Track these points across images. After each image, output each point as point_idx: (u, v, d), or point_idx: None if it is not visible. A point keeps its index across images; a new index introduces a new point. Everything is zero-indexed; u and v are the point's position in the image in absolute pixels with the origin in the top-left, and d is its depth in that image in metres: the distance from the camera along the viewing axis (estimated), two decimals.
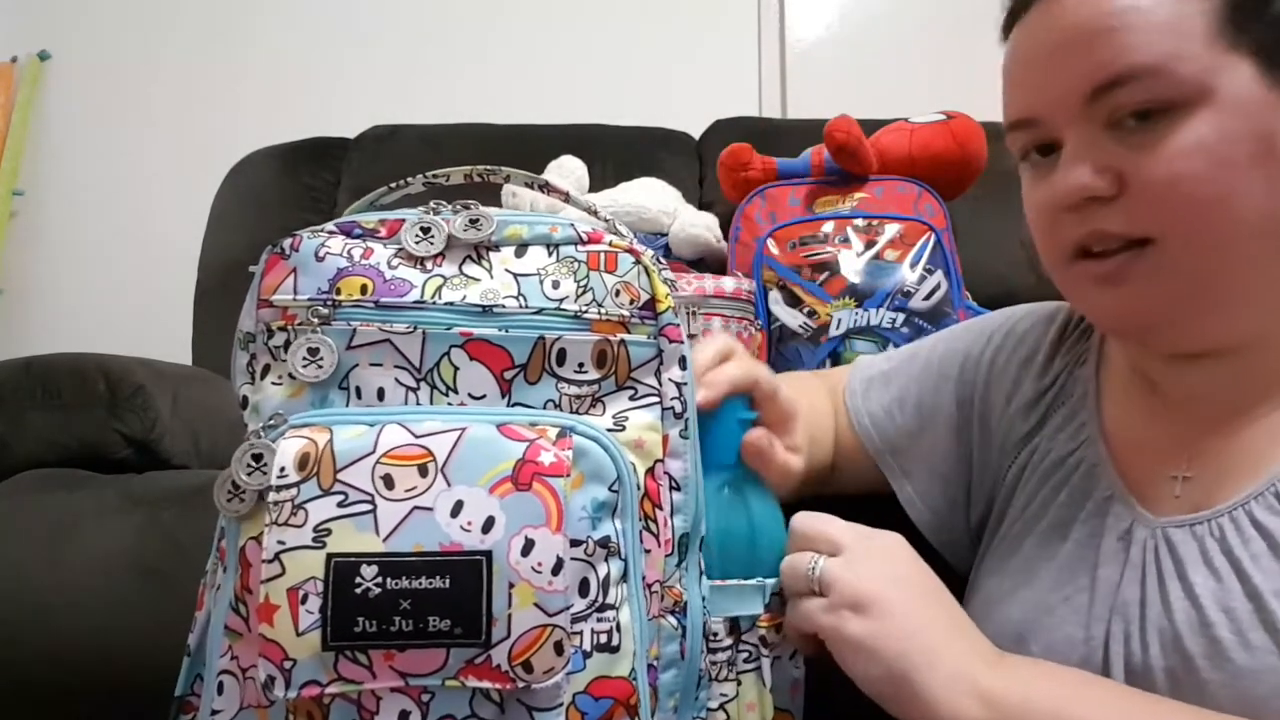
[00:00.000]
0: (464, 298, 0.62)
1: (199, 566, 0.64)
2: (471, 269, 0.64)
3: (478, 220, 0.65)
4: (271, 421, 0.60)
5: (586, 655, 0.58)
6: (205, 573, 0.63)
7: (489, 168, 0.73)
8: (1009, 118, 0.74)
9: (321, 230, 0.65)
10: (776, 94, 2.71)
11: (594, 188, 1.77)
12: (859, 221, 1.44)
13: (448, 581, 0.54)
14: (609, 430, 0.61)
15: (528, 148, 1.89)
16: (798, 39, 2.74)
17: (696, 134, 2.10)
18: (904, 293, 1.36)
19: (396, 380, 0.61)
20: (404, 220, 0.65)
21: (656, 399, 0.63)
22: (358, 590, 0.54)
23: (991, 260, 1.70)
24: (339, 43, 2.72)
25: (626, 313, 0.63)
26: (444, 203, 0.66)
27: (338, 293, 0.62)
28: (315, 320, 0.62)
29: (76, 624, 0.99)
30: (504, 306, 0.62)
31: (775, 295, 1.40)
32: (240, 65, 2.71)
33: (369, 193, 0.72)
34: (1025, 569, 0.77)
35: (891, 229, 1.42)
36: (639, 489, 0.61)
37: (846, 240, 1.41)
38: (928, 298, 1.36)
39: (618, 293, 0.63)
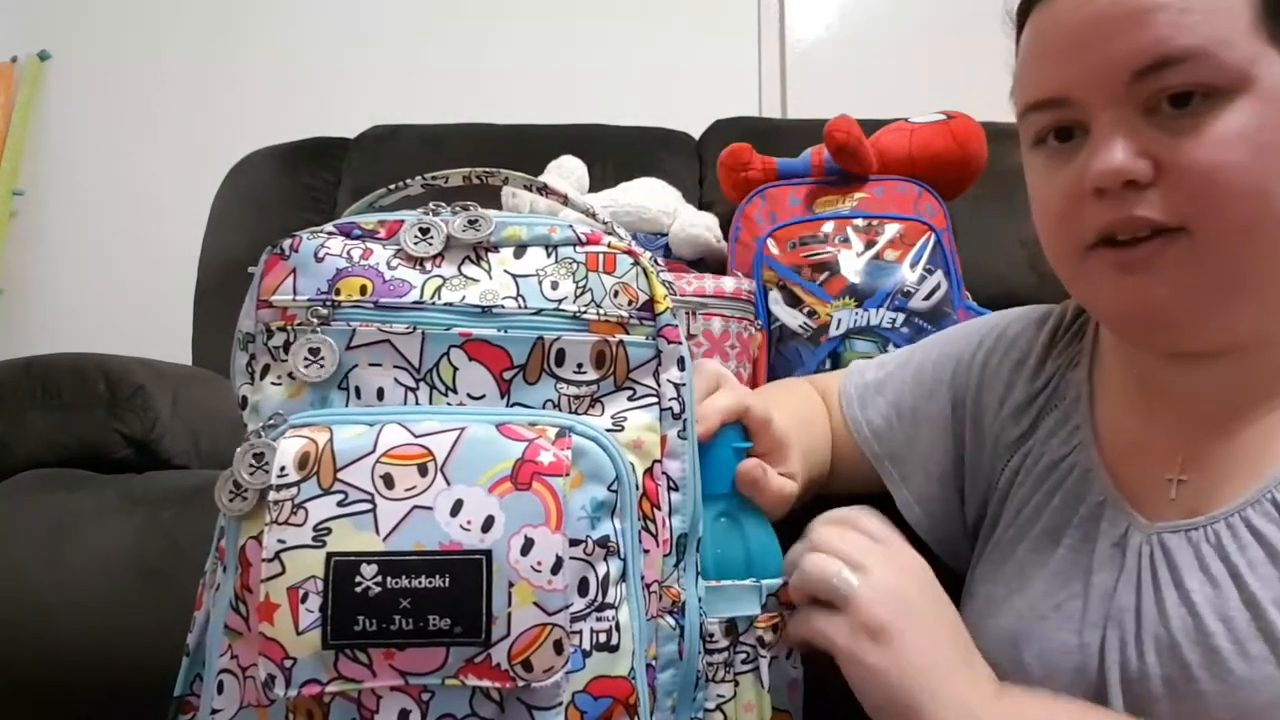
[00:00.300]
0: (463, 298, 0.62)
1: (199, 566, 0.64)
2: (470, 270, 0.64)
3: (476, 221, 0.65)
4: (271, 421, 0.60)
5: (586, 654, 0.58)
6: (204, 573, 0.63)
7: (487, 170, 0.73)
8: (1033, 97, 0.71)
9: (321, 231, 0.65)
10: (776, 94, 2.71)
11: (594, 188, 1.77)
12: (859, 221, 1.43)
13: (447, 580, 0.55)
14: (608, 430, 0.61)
15: (528, 148, 1.89)
16: (798, 39, 2.74)
17: (696, 134, 2.10)
18: (904, 293, 1.36)
19: (396, 380, 0.62)
20: (403, 221, 0.66)
21: (655, 399, 0.64)
22: (358, 589, 0.54)
23: (991, 260, 1.70)
24: (339, 43, 2.72)
25: (625, 314, 0.63)
26: (443, 204, 0.66)
27: (337, 293, 0.62)
28: (315, 321, 0.62)
29: (76, 624, 0.99)
30: (503, 307, 0.62)
31: (775, 295, 1.40)
32: (240, 65, 2.72)
33: (369, 193, 0.73)
34: (1018, 575, 0.77)
35: (891, 229, 1.42)
36: (638, 489, 0.61)
37: (846, 240, 1.41)
38: (928, 298, 1.36)
39: (616, 294, 0.63)
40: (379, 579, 0.55)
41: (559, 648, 0.55)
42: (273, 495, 0.56)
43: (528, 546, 0.55)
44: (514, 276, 0.64)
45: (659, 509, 0.62)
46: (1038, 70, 0.71)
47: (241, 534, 0.59)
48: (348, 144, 2.10)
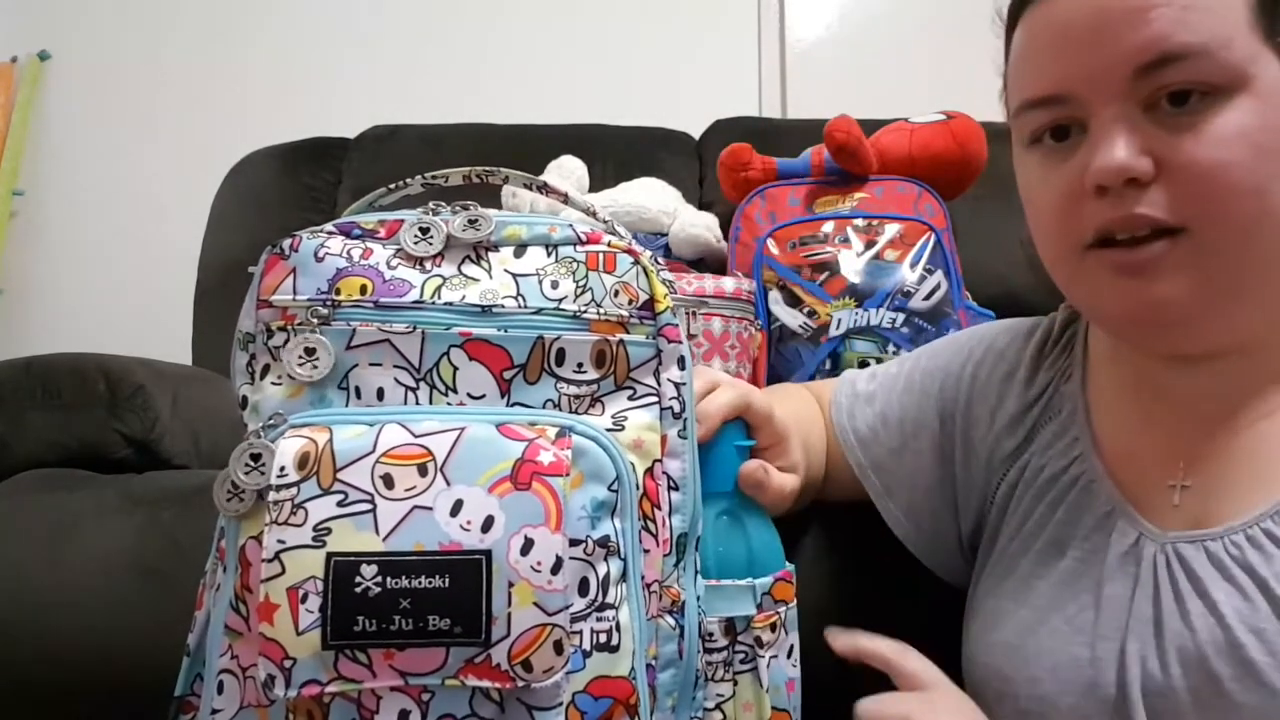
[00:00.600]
0: (463, 298, 0.62)
1: (199, 566, 0.64)
2: (470, 269, 0.64)
3: (476, 221, 0.65)
4: (271, 421, 0.60)
5: (586, 655, 0.58)
6: (205, 573, 0.63)
7: (487, 169, 0.73)
8: (1030, 94, 0.71)
9: (321, 231, 0.65)
10: (776, 94, 2.71)
11: (594, 188, 1.77)
12: (859, 221, 1.43)
13: (447, 581, 0.55)
14: (608, 430, 0.61)
15: (528, 148, 1.89)
16: (798, 39, 2.74)
17: (696, 134, 2.10)
18: (904, 293, 1.36)
19: (396, 380, 0.62)
20: (403, 221, 0.66)
21: (655, 399, 0.63)
22: (357, 589, 0.54)
23: (991, 260, 1.69)
24: (339, 43, 2.72)
25: (625, 313, 0.63)
26: (443, 203, 0.66)
27: (337, 293, 0.62)
28: (315, 320, 0.62)
29: (76, 624, 0.99)
30: (503, 306, 0.62)
31: (775, 295, 1.40)
32: (240, 65, 2.71)
33: (369, 193, 0.73)
34: (1024, 589, 0.76)
35: (891, 229, 1.42)
36: (638, 489, 0.61)
37: (846, 240, 1.41)
38: (928, 298, 1.36)
39: (616, 293, 0.63)
40: (379, 579, 0.55)
41: (559, 648, 0.55)
42: (272, 495, 0.56)
43: (528, 546, 0.55)
44: (514, 276, 0.64)
45: (659, 509, 0.62)
46: (1035, 67, 0.71)
47: (242, 534, 0.59)
48: (348, 144, 2.09)
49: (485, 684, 0.55)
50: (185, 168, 2.52)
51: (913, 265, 1.38)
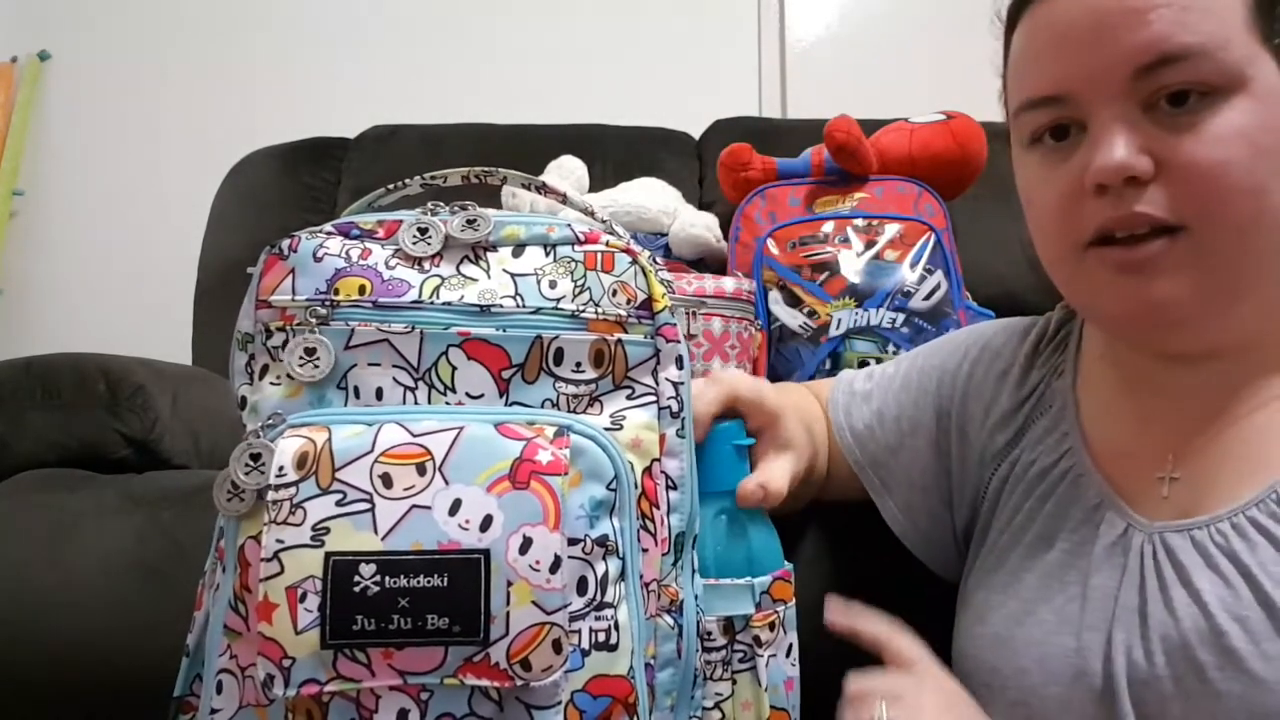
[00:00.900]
0: (461, 297, 0.62)
1: (199, 566, 0.64)
2: (469, 269, 0.64)
3: (475, 221, 0.65)
4: (270, 421, 0.61)
5: (585, 653, 0.58)
6: (204, 573, 0.63)
7: (486, 169, 0.73)
8: (1030, 94, 0.71)
9: (319, 231, 0.65)
10: (776, 94, 2.71)
11: (594, 188, 1.77)
12: (859, 221, 1.44)
13: (446, 580, 0.55)
14: (606, 429, 0.61)
15: (528, 148, 1.89)
16: (798, 39, 2.73)
17: (696, 134, 2.10)
18: (904, 293, 1.36)
19: (395, 380, 0.62)
20: (401, 221, 0.66)
21: (654, 398, 0.64)
22: (356, 589, 0.55)
23: (991, 260, 1.70)
24: (339, 43, 2.72)
25: (623, 312, 0.63)
26: (441, 204, 0.66)
27: (336, 293, 0.62)
28: (313, 320, 0.62)
29: (76, 624, 0.99)
30: (501, 306, 0.62)
31: (775, 295, 1.40)
32: (240, 65, 2.71)
33: (369, 193, 0.73)
34: (1012, 581, 0.77)
35: (891, 229, 1.42)
36: (636, 488, 0.61)
37: (846, 240, 1.41)
38: (928, 298, 1.36)
39: (614, 292, 0.63)
40: (377, 578, 0.55)
41: (557, 647, 0.55)
42: (271, 495, 0.56)
43: (526, 545, 0.55)
44: (512, 275, 0.64)
45: (657, 508, 0.62)
46: (1036, 67, 0.71)
47: (241, 534, 0.59)
48: (348, 144, 2.09)
49: (484, 683, 0.55)
50: (185, 168, 2.52)
51: (913, 265, 1.38)
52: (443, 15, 2.72)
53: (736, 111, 2.16)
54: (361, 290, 0.62)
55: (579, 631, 0.58)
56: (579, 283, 0.63)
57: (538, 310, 0.62)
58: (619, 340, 0.63)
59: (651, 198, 1.73)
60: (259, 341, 0.64)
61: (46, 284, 2.67)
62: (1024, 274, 1.60)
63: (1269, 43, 0.65)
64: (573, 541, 0.57)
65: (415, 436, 0.57)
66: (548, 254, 0.65)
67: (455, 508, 0.55)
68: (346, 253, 0.64)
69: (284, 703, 0.56)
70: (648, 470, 0.62)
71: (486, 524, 0.55)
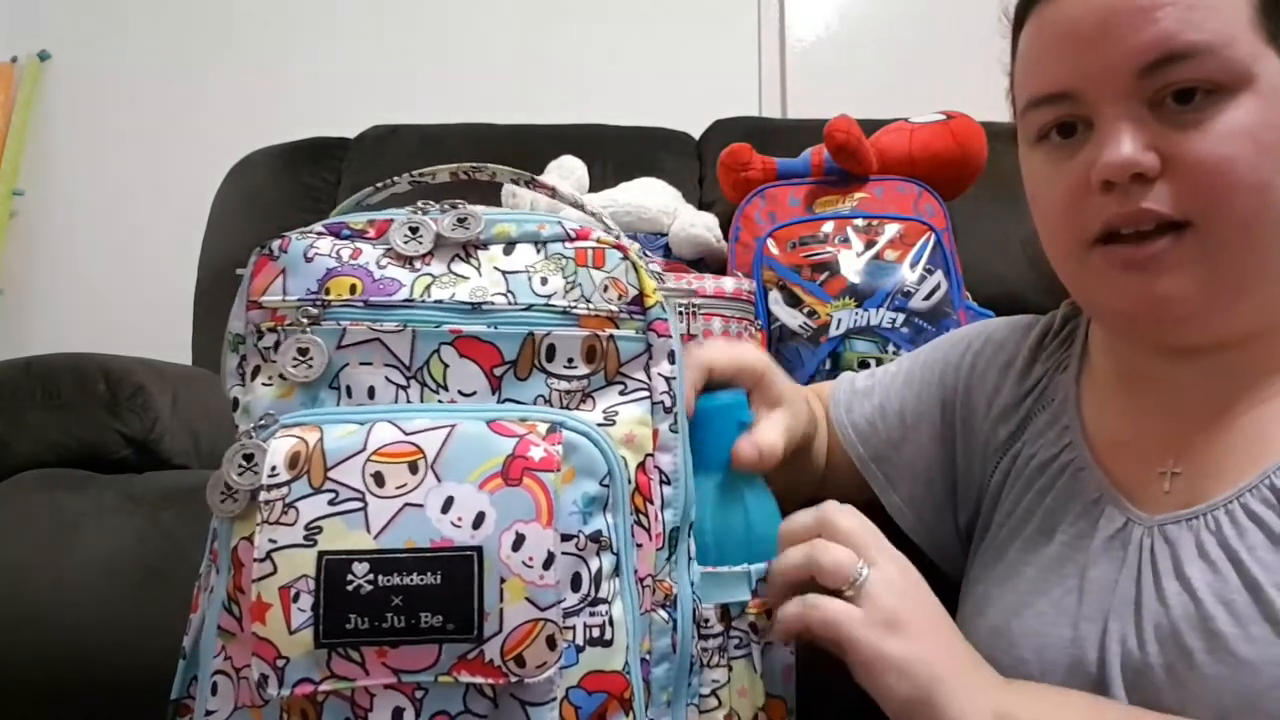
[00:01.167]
0: (453, 295, 0.62)
1: (199, 567, 0.64)
2: (460, 267, 0.64)
3: (465, 219, 0.65)
4: (262, 422, 0.60)
5: (579, 650, 0.58)
6: (199, 575, 0.63)
7: (475, 165, 0.73)
8: (1037, 91, 0.72)
9: (310, 231, 0.65)
10: (776, 94, 2.71)
11: (594, 188, 1.78)
12: (859, 221, 1.44)
13: (439, 577, 0.54)
14: (599, 425, 0.61)
15: (528, 148, 1.89)
16: (798, 39, 2.74)
17: (696, 134, 2.10)
18: (904, 293, 1.36)
19: (387, 379, 0.62)
20: (392, 220, 0.66)
21: (646, 393, 0.63)
22: (349, 587, 0.54)
23: (991, 260, 1.70)
24: (339, 42, 2.72)
25: (615, 308, 0.63)
26: (431, 202, 0.66)
27: (327, 293, 0.62)
28: (305, 321, 0.62)
29: (77, 624, 0.99)
30: (493, 304, 0.62)
31: (775, 295, 1.41)
32: (240, 65, 2.72)
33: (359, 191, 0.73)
34: (1011, 574, 0.77)
35: (891, 229, 1.42)
36: (630, 483, 0.61)
37: (846, 240, 1.42)
38: (928, 298, 1.37)
39: (606, 288, 0.63)
40: (370, 577, 0.55)
41: (552, 643, 0.55)
42: (264, 495, 0.56)
43: (519, 542, 0.55)
44: (503, 273, 0.63)
45: (651, 503, 0.62)
46: (1042, 65, 0.72)
47: (234, 535, 0.59)
48: (348, 144, 2.10)
49: (478, 680, 0.55)
50: (185, 168, 2.52)
51: (913, 265, 1.39)
52: (442, 15, 2.73)
53: (736, 111, 2.16)
54: (353, 290, 0.62)
55: (573, 628, 0.58)
56: (570, 279, 0.63)
57: (529, 307, 0.62)
58: (611, 336, 0.63)
59: (651, 198, 1.73)
60: (250, 343, 0.63)
61: (46, 284, 2.68)
62: (1024, 274, 1.61)
63: (1274, 40, 0.65)
64: (566, 538, 0.57)
65: (407, 435, 0.57)
66: (539, 251, 0.65)
67: (448, 505, 0.55)
68: (337, 253, 0.64)
69: (279, 703, 0.56)
70: (641, 465, 0.62)
71: (479, 521, 0.55)
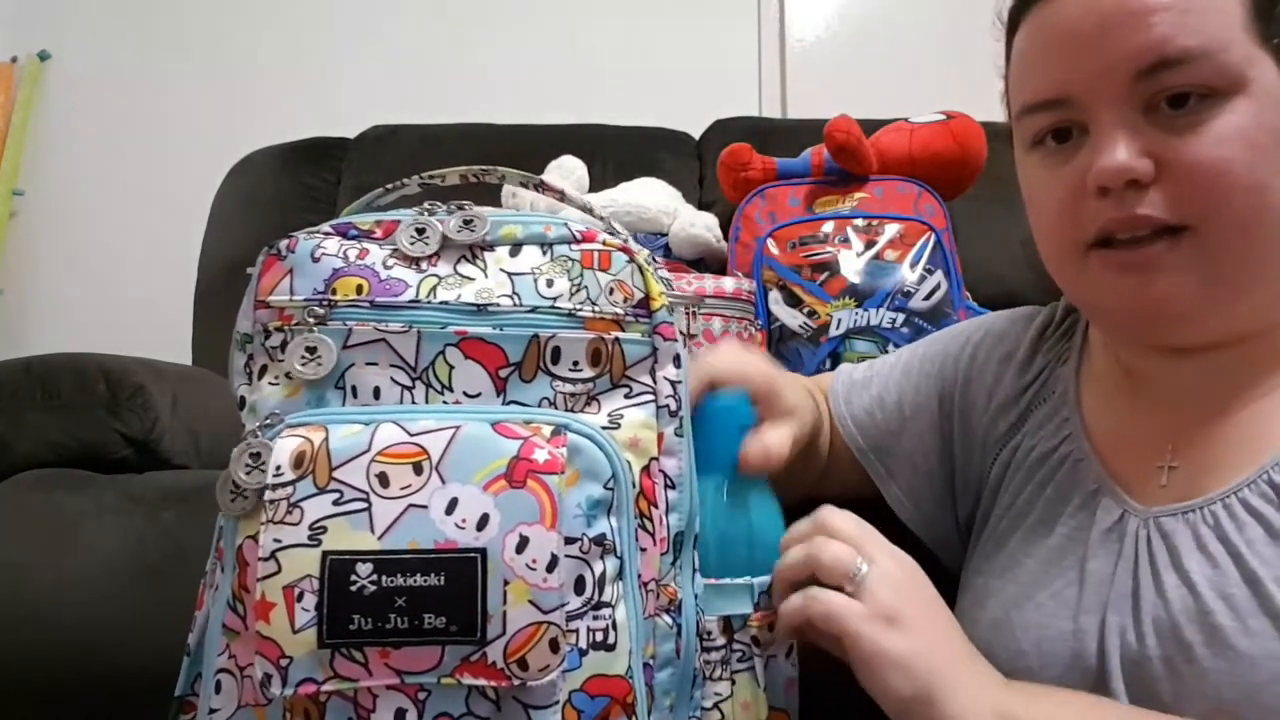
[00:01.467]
0: (459, 297, 0.62)
1: (199, 566, 0.64)
2: (466, 268, 0.64)
3: (472, 221, 0.65)
4: (268, 421, 0.60)
5: (583, 653, 0.58)
6: (205, 572, 0.63)
7: (484, 168, 0.73)
8: (1032, 98, 0.72)
9: (317, 231, 0.66)
10: (776, 94, 2.71)
11: (594, 188, 1.77)
12: (859, 221, 1.44)
13: (443, 579, 0.55)
14: (604, 428, 0.61)
15: (528, 148, 1.89)
16: (798, 39, 2.74)
17: (696, 134, 2.10)
18: (904, 293, 1.36)
19: (392, 379, 0.62)
20: (399, 221, 0.66)
21: (651, 397, 0.63)
22: (353, 588, 0.54)
23: (991, 260, 1.70)
24: (339, 43, 2.72)
25: (620, 311, 0.63)
26: (438, 203, 0.66)
27: (333, 293, 0.62)
28: (311, 320, 0.62)
29: (77, 624, 0.99)
30: (498, 305, 0.62)
31: (775, 295, 1.41)
32: (240, 65, 2.71)
33: (369, 193, 0.73)
34: (1011, 565, 0.77)
35: (891, 229, 1.42)
36: (634, 487, 0.61)
37: (846, 240, 1.41)
38: (928, 298, 1.36)
39: (611, 291, 0.63)
40: (374, 578, 0.55)
41: (555, 646, 0.55)
42: (269, 495, 0.56)
43: (523, 544, 0.55)
44: (509, 275, 0.63)
45: (656, 507, 0.62)
46: (1037, 71, 0.72)
47: (239, 533, 0.59)
48: (348, 144, 2.09)
49: (481, 682, 0.55)
50: (185, 168, 2.52)
51: (913, 265, 1.39)
52: (443, 15, 2.73)
53: (736, 111, 2.16)
54: (359, 290, 0.62)
55: (576, 631, 0.58)
56: (576, 281, 0.63)
57: (535, 309, 0.62)
58: (616, 339, 0.63)
59: (651, 198, 1.73)
60: (258, 342, 0.64)
61: (46, 284, 2.68)
62: (1024, 274, 1.61)
63: (1268, 44, 0.66)
64: (570, 540, 0.57)
65: (412, 436, 0.57)
66: (545, 253, 0.65)
67: (452, 507, 0.55)
68: (344, 253, 0.64)
69: (282, 702, 0.56)
70: (646, 469, 0.62)
71: (483, 523, 0.55)
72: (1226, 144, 0.64)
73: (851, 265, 1.39)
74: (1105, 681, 0.68)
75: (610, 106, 2.19)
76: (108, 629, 0.99)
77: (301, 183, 2.03)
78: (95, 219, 2.67)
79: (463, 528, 0.55)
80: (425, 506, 0.55)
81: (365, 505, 0.55)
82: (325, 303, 0.62)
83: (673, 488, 0.64)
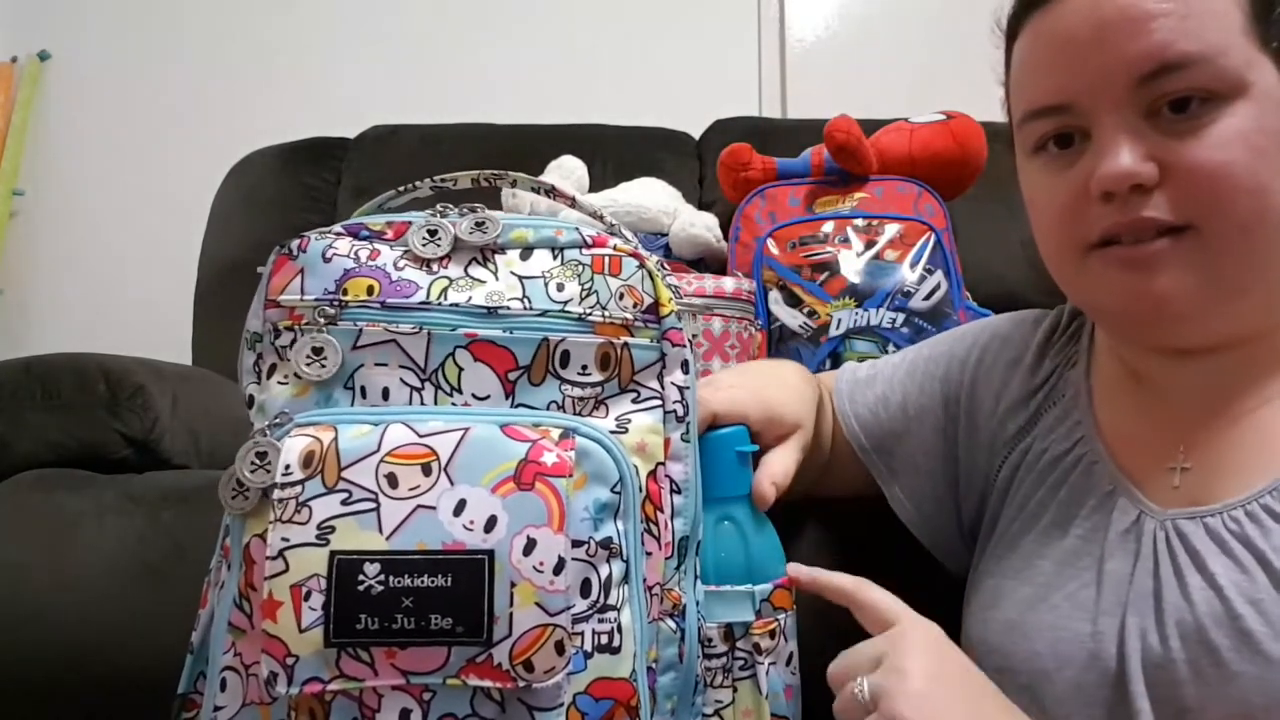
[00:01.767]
0: (469, 299, 0.62)
1: (199, 566, 0.64)
2: (477, 271, 0.64)
3: (483, 223, 0.65)
4: (277, 420, 0.61)
5: (587, 656, 0.58)
6: (209, 570, 0.63)
7: (496, 172, 0.73)
8: (1033, 104, 0.72)
9: (329, 232, 0.66)
10: (776, 94, 2.71)
11: (594, 188, 1.77)
12: (859, 221, 1.43)
13: (450, 580, 0.55)
14: (611, 432, 0.61)
15: (528, 148, 1.89)
16: (798, 39, 2.73)
17: (696, 134, 2.10)
18: (904, 293, 1.36)
19: (401, 380, 0.62)
20: (411, 223, 0.66)
21: (659, 402, 0.64)
22: (360, 588, 0.55)
23: (991, 260, 1.70)
24: (339, 43, 2.72)
25: (630, 316, 0.63)
26: (450, 206, 0.67)
27: (344, 293, 0.63)
28: (322, 320, 0.62)
29: (77, 624, 0.99)
30: (509, 308, 0.62)
31: (775, 295, 1.40)
32: (240, 65, 2.71)
33: (369, 192, 0.73)
34: (1026, 567, 0.77)
35: (891, 229, 1.42)
36: (641, 491, 0.61)
37: (846, 240, 1.41)
38: (928, 298, 1.36)
39: (621, 296, 0.63)
40: (381, 578, 0.55)
41: (560, 648, 0.55)
42: (277, 493, 0.56)
43: (530, 547, 0.55)
44: (520, 278, 0.64)
45: (661, 511, 0.62)
46: (1039, 77, 0.72)
47: (246, 532, 0.59)
48: (348, 144, 2.09)
49: (486, 684, 0.55)
50: (185, 168, 2.51)
51: (913, 265, 1.38)
52: (443, 15, 2.72)
53: (736, 111, 2.16)
54: (370, 291, 0.62)
55: (581, 634, 0.58)
56: (586, 286, 0.63)
57: (545, 313, 0.62)
58: (625, 344, 0.63)
59: (651, 198, 1.73)
60: (267, 341, 0.64)
61: (46, 284, 2.67)
62: (1024, 274, 1.61)
63: (1267, 47, 0.66)
64: (576, 544, 0.57)
65: (421, 437, 0.57)
66: (555, 257, 0.65)
67: (460, 508, 0.56)
68: (355, 253, 0.64)
69: (287, 701, 0.56)
70: (652, 474, 0.62)
71: (491, 525, 0.55)
72: (1228, 147, 0.65)
73: (851, 265, 1.38)
74: (1125, 683, 0.67)
75: (610, 106, 2.18)
76: (108, 629, 0.98)
77: (301, 183, 2.03)
78: (95, 219, 2.67)
79: (471, 529, 0.55)
80: (434, 507, 0.56)
81: (374, 505, 0.56)
82: (336, 303, 0.62)
83: (678, 492, 0.64)
